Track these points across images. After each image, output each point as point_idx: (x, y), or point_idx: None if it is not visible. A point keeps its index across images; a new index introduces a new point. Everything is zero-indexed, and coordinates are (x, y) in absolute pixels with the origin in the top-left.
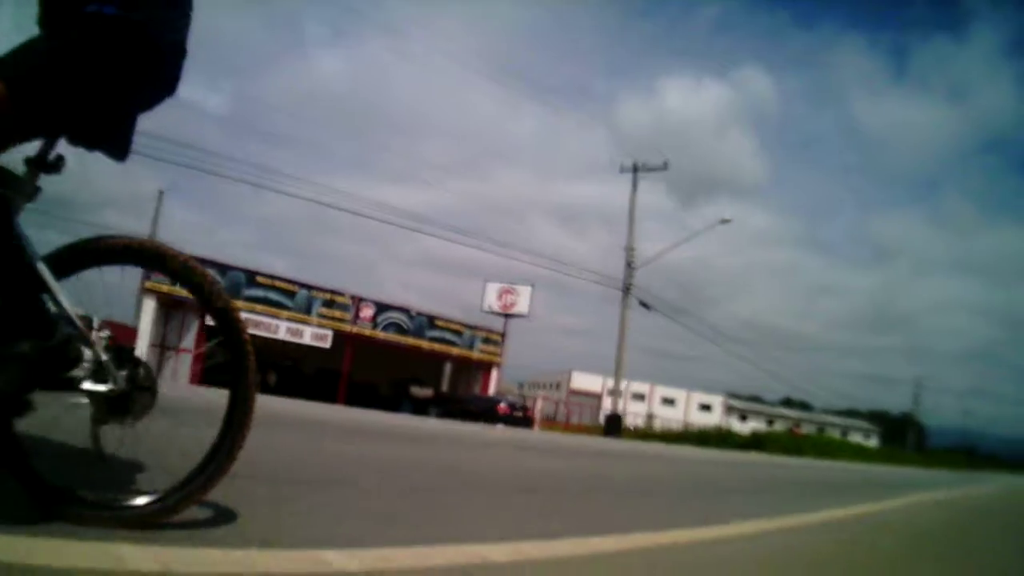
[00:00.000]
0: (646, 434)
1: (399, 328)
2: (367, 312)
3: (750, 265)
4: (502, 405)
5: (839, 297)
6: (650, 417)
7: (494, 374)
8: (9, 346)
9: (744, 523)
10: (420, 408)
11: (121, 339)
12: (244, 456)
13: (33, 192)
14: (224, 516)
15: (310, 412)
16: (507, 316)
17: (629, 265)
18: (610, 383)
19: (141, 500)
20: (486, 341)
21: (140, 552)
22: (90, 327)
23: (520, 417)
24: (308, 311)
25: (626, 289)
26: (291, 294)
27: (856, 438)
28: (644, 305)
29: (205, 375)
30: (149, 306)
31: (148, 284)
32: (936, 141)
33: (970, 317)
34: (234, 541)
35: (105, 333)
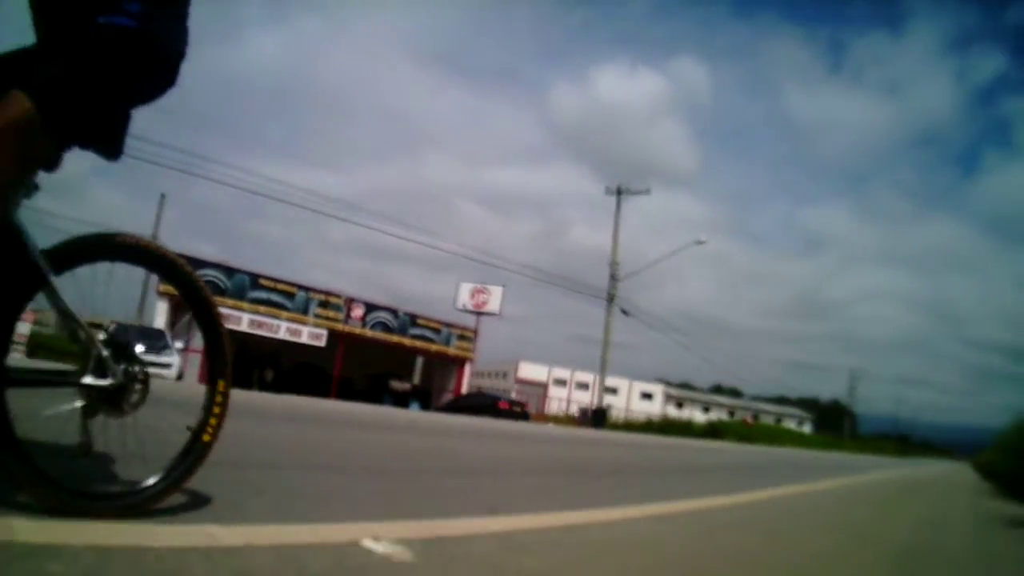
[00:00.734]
0: (624, 425)
1: (385, 327)
2: (358, 312)
3: (680, 253)
4: (503, 402)
5: (769, 286)
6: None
7: (467, 368)
8: None
9: (650, 505)
10: (400, 401)
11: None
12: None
13: (31, 188)
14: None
15: (328, 407)
16: (479, 314)
17: (613, 277)
18: (555, 373)
19: (130, 489)
20: (461, 338)
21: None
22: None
23: (518, 412)
24: (305, 312)
25: (610, 298)
26: (291, 296)
27: (789, 425)
28: (624, 312)
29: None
30: (162, 308)
31: (161, 288)
32: (868, 135)
33: (899, 307)
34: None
35: (111, 328)
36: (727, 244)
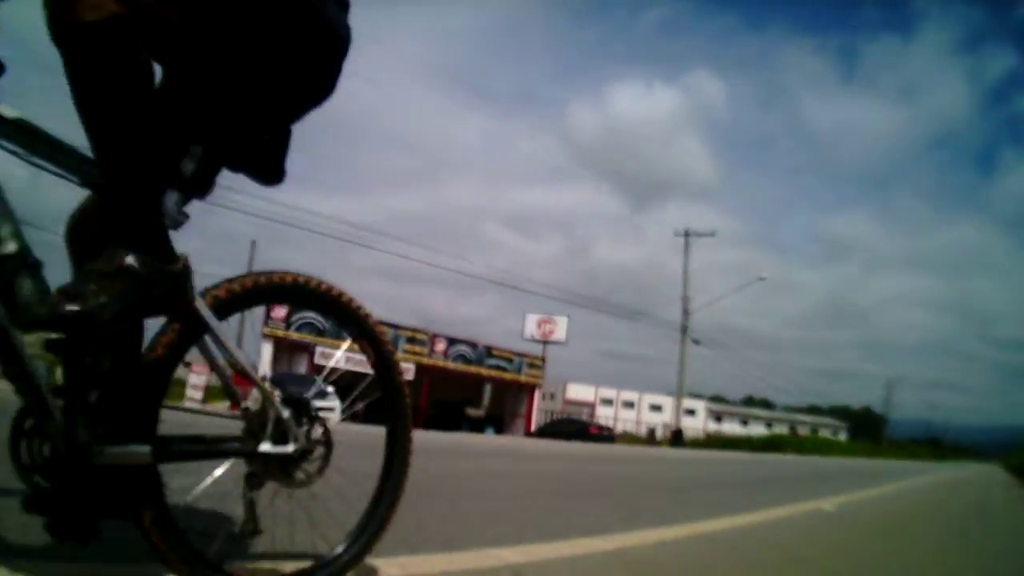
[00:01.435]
0: (699, 443)
1: (464, 358)
2: (440, 346)
3: (704, 265)
4: (593, 427)
5: (794, 295)
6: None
7: (536, 394)
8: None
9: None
10: (476, 427)
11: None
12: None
13: (181, 219)
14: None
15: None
16: (545, 343)
17: (685, 312)
18: (602, 393)
19: (316, 564)
20: (530, 366)
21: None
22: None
23: (606, 435)
24: (395, 347)
25: (683, 330)
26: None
27: (825, 434)
28: (696, 342)
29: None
30: (267, 349)
31: (266, 330)
32: (885, 139)
33: (924, 310)
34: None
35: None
36: (751, 255)
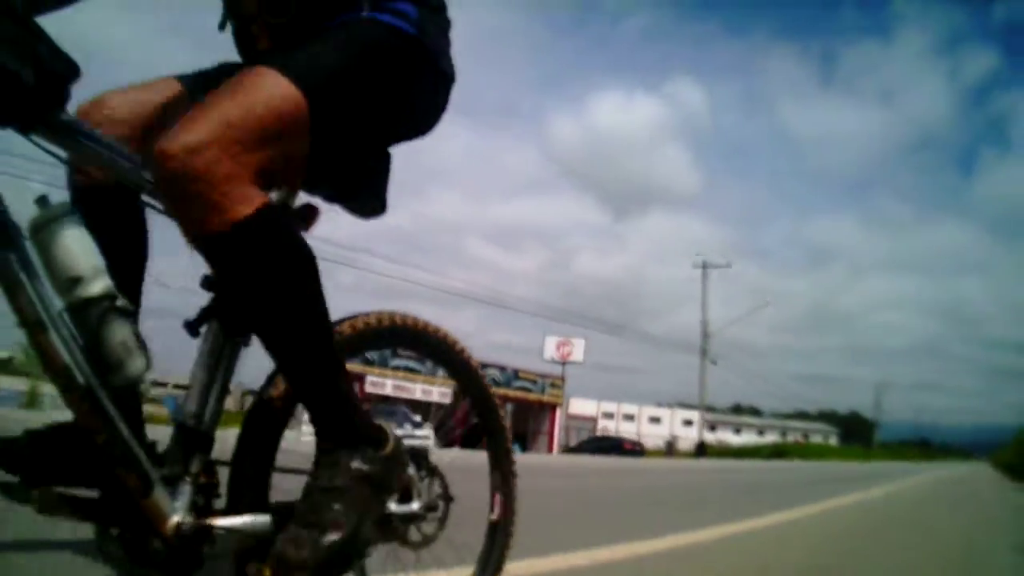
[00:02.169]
0: (715, 453)
1: (495, 381)
2: None
3: (686, 275)
4: (627, 443)
5: (779, 301)
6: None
7: (557, 412)
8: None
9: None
10: None
11: None
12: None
13: None
14: None
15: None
16: (564, 364)
17: (705, 335)
18: (603, 407)
19: None
20: (552, 386)
21: None
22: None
23: (638, 450)
24: (434, 374)
25: (703, 352)
26: (422, 362)
27: (816, 439)
28: (712, 362)
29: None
30: None
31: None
32: (866, 143)
33: (910, 313)
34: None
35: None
36: (735, 262)
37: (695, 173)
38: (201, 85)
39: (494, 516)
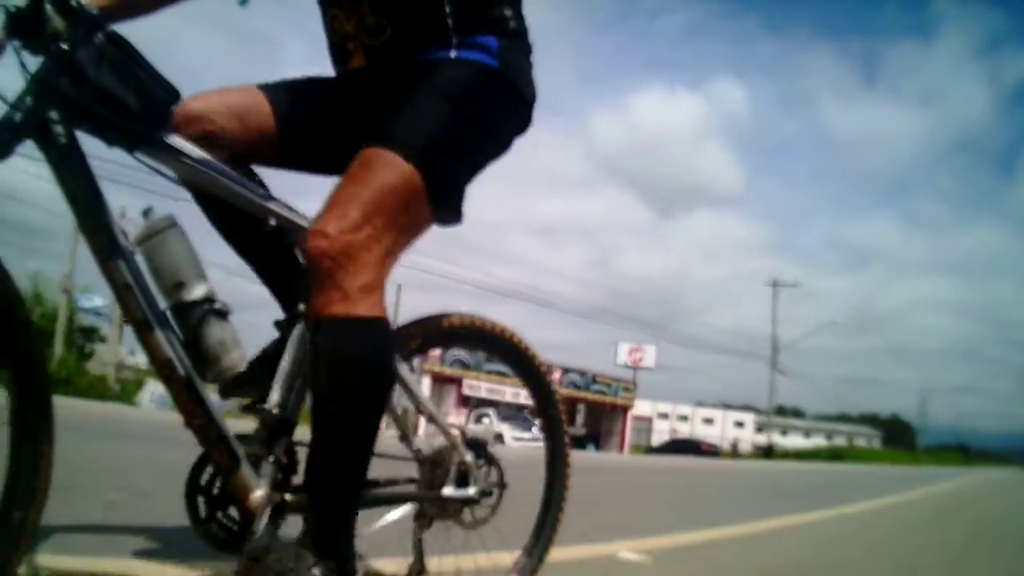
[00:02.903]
0: (780, 455)
1: (575, 385)
2: (557, 375)
3: (728, 274)
4: (704, 445)
5: (818, 302)
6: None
7: (628, 414)
8: None
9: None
10: (578, 444)
11: None
12: None
13: None
14: None
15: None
16: (635, 369)
17: (775, 349)
18: (658, 407)
19: None
20: (624, 390)
21: None
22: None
23: (713, 452)
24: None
25: (772, 364)
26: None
27: (860, 443)
28: (781, 373)
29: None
30: (426, 383)
31: (426, 367)
32: (907, 144)
33: (949, 315)
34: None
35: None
36: (775, 261)
37: (737, 171)
38: (285, 98)
39: (541, 508)
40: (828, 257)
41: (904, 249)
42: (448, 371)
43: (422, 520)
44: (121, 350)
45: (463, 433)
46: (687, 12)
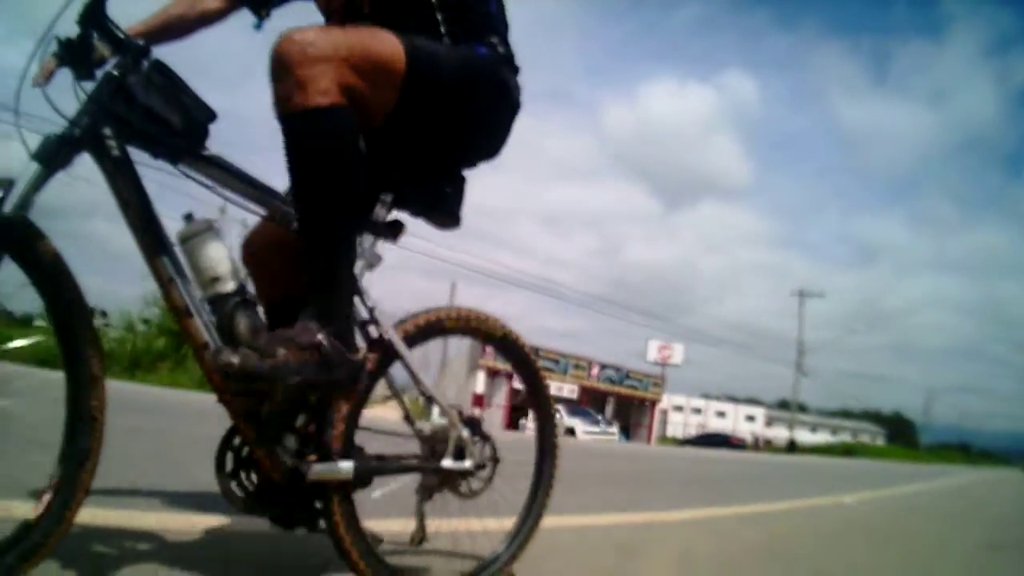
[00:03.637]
0: (801, 449)
1: (611, 380)
2: (595, 371)
3: (735, 266)
4: (733, 439)
5: (825, 297)
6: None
7: (656, 408)
8: None
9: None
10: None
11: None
12: None
13: (375, 261)
14: None
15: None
16: (664, 366)
17: (800, 353)
18: (673, 400)
19: (468, 571)
20: (654, 385)
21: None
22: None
23: (742, 445)
24: (565, 372)
25: (797, 366)
26: (557, 362)
27: (864, 439)
28: (804, 375)
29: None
30: (481, 377)
31: (481, 362)
32: (916, 142)
33: (955, 314)
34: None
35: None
36: (783, 256)
37: (746, 164)
38: None
39: (532, 481)
40: (835, 252)
41: (911, 246)
42: (500, 366)
43: (424, 492)
44: None
45: (460, 413)
46: (699, 5)
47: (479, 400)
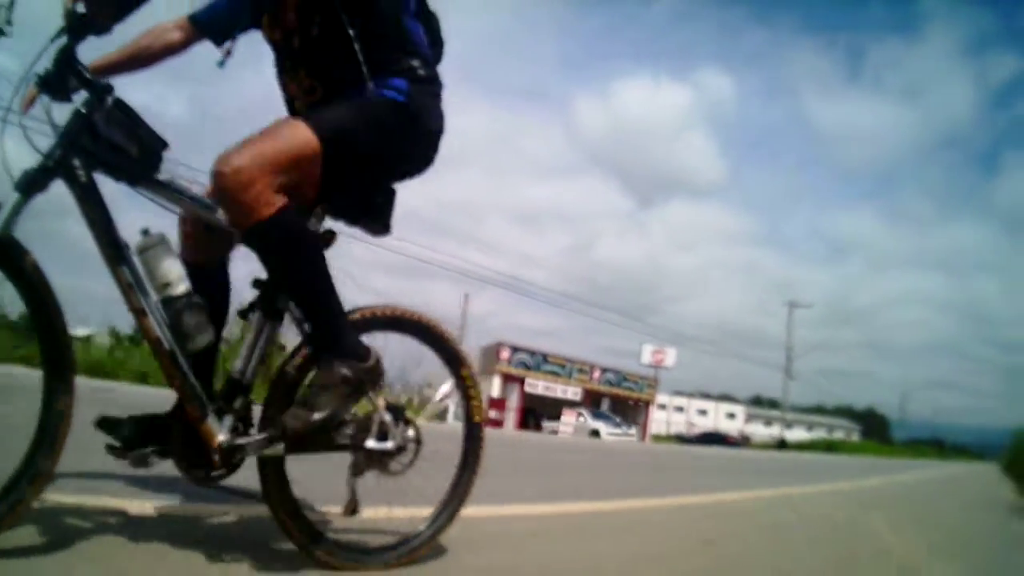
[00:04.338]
0: (787, 446)
1: (610, 382)
2: (597, 375)
3: (707, 263)
4: (730, 437)
5: (798, 293)
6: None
7: (651, 408)
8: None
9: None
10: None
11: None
12: None
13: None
14: None
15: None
16: (657, 369)
17: (788, 359)
18: (659, 399)
19: (387, 543)
20: (648, 387)
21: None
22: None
23: (739, 443)
24: (570, 376)
25: (786, 370)
26: (563, 366)
27: (839, 435)
28: (791, 379)
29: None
30: (496, 381)
31: (497, 367)
32: (890, 139)
33: (928, 310)
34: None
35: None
36: (757, 252)
37: (720, 161)
38: None
39: (457, 471)
40: (809, 248)
41: (886, 243)
42: (514, 371)
43: (354, 468)
44: None
45: (385, 400)
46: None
47: (497, 403)
